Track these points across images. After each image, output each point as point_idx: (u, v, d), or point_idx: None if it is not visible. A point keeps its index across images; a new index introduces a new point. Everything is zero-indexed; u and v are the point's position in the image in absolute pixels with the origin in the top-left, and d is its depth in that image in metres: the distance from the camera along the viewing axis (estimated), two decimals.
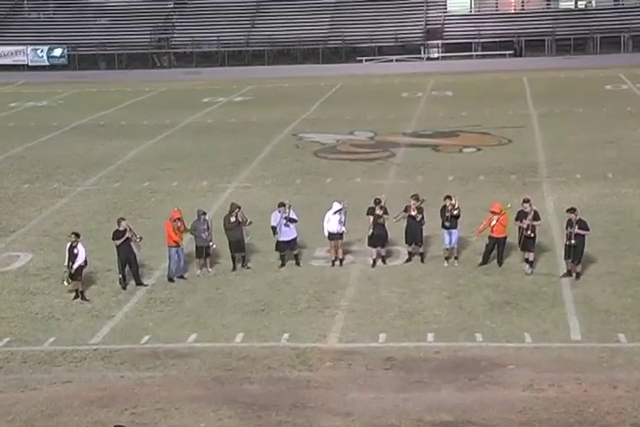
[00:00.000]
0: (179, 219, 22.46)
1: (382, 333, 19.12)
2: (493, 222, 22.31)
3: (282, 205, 23.24)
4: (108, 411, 16.05)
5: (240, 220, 23.00)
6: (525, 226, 21.95)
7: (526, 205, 22.23)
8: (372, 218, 22.89)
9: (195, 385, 17.02)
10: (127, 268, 22.13)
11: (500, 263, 22.65)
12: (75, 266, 21.36)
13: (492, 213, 22.44)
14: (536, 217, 22.13)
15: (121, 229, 22.01)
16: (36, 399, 16.66)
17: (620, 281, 21.51)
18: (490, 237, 22.56)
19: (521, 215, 22.19)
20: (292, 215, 23.14)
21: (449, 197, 22.92)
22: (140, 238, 22.20)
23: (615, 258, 23.02)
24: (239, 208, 23.12)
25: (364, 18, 71.95)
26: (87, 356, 18.48)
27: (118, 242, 21.91)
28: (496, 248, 22.60)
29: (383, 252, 23.30)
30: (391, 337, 18.89)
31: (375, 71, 63.37)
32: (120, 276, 22.15)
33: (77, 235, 21.71)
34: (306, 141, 39.21)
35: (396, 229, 23.49)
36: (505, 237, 22.53)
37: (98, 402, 16.41)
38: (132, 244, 22.04)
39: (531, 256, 22.29)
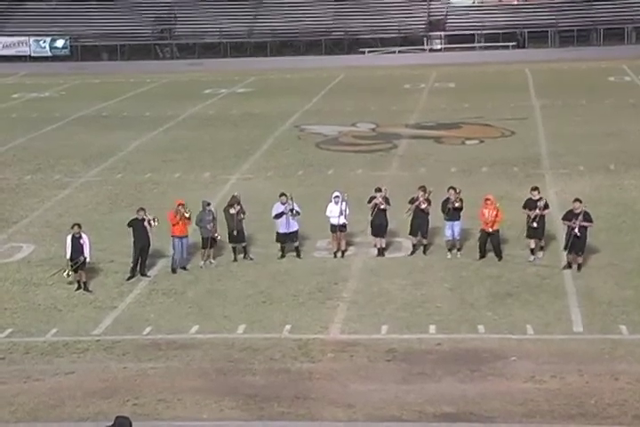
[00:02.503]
0: (181, 204, 22.49)
1: (384, 324, 19.13)
2: (487, 215, 22.38)
3: (283, 195, 23.25)
4: (110, 402, 16.08)
5: (235, 212, 22.98)
6: (534, 216, 22.03)
7: (534, 192, 22.37)
8: (372, 206, 22.90)
9: (197, 376, 17.04)
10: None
11: (498, 257, 22.68)
12: (87, 257, 21.46)
13: (486, 204, 22.47)
14: (546, 205, 22.28)
15: (139, 218, 22.09)
16: (38, 390, 16.69)
17: (622, 273, 21.52)
18: (481, 230, 22.66)
19: (530, 203, 22.27)
20: (296, 208, 23.15)
21: (453, 189, 22.91)
22: (157, 220, 22.19)
23: (617, 250, 23.02)
24: (238, 203, 23.11)
25: (366, 9, 71.84)
26: (89, 347, 18.51)
27: (134, 229, 22.03)
28: (490, 242, 22.67)
29: (383, 243, 23.29)
30: (393, 329, 18.90)
31: (378, 63, 63.29)
32: (133, 264, 22.18)
33: (80, 226, 21.78)
34: (308, 133, 39.19)
35: (394, 219, 23.49)
36: (497, 231, 22.57)
37: (100, 393, 16.44)
38: (150, 233, 22.09)
39: (542, 242, 22.47)
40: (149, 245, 22.31)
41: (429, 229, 23.25)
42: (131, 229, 22.29)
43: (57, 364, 17.79)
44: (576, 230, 21.27)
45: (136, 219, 22.24)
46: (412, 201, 22.96)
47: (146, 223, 22.05)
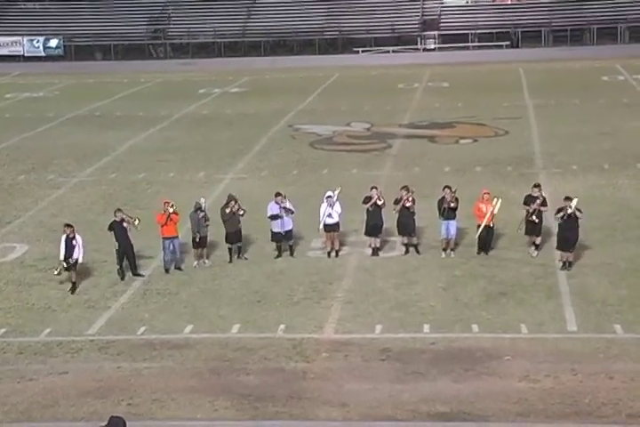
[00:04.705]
0: (166, 202, 22.48)
1: (378, 324, 19.14)
2: (484, 210, 22.56)
3: (278, 194, 23.27)
4: (104, 402, 16.06)
5: (234, 211, 23.00)
6: (532, 210, 22.23)
7: (535, 189, 22.71)
8: (369, 206, 22.91)
9: (191, 376, 17.03)
10: (125, 259, 22.21)
11: (486, 252, 22.81)
12: (80, 258, 21.46)
13: (483, 199, 22.66)
14: (544, 203, 22.44)
15: (118, 219, 22.07)
16: (32, 390, 16.67)
17: (617, 272, 21.54)
18: (480, 226, 22.80)
19: (529, 200, 22.54)
20: (289, 206, 23.17)
21: (448, 188, 22.94)
22: (138, 220, 22.15)
23: (612, 249, 23.05)
24: (235, 201, 23.13)
25: (360, 9, 71.80)
26: (83, 347, 18.49)
27: (112, 233, 21.95)
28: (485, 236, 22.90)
29: (378, 243, 23.30)
30: (387, 328, 18.90)
31: (372, 62, 63.28)
32: (118, 266, 22.18)
33: (72, 226, 21.75)
34: (302, 133, 39.19)
35: (390, 219, 23.51)
36: (494, 225, 22.73)
37: (94, 393, 16.42)
38: (129, 234, 22.06)
39: (537, 240, 22.60)
40: (132, 246, 22.21)
41: (418, 229, 23.31)
42: (112, 232, 22.22)
43: (51, 364, 17.77)
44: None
45: (115, 221, 22.18)
46: (396, 202, 23.03)
47: (125, 224, 21.98)
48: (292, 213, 23.23)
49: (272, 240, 23.42)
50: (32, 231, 26.34)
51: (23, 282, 22.32)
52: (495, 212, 22.59)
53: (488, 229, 22.74)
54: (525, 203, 22.68)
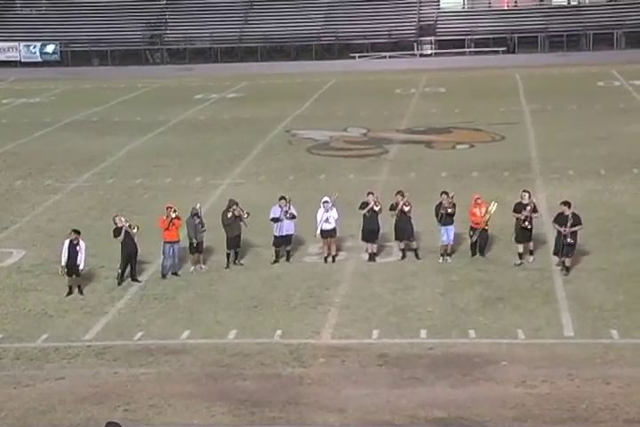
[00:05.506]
0: (170, 207, 22.49)
1: (375, 329, 19.13)
2: (479, 213, 22.62)
3: (282, 198, 23.28)
4: (101, 408, 16.04)
5: (237, 215, 23.02)
6: (523, 217, 22.17)
7: (525, 196, 22.55)
8: (366, 212, 22.90)
9: (188, 382, 17.02)
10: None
11: (482, 255, 22.85)
12: (81, 264, 21.42)
13: (476, 203, 22.71)
14: (535, 209, 22.37)
15: (119, 225, 22.06)
16: (28, 396, 16.64)
17: (613, 277, 21.54)
18: (472, 228, 22.82)
19: (519, 207, 22.43)
20: (292, 211, 23.20)
21: (445, 193, 22.95)
22: (137, 227, 22.20)
23: (608, 254, 23.05)
24: (236, 204, 23.16)
25: (357, 14, 71.93)
26: (80, 352, 18.47)
27: (121, 238, 21.96)
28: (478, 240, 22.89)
29: (374, 248, 23.31)
30: (384, 333, 18.90)
31: (368, 68, 63.37)
32: (120, 271, 22.16)
33: (78, 232, 21.73)
34: (299, 138, 39.21)
35: (387, 225, 23.52)
36: (485, 230, 22.79)
37: (91, 399, 16.40)
38: (134, 238, 22.07)
39: (530, 246, 22.59)
40: (136, 251, 22.24)
41: (416, 233, 23.31)
42: (118, 237, 22.21)
43: (47, 369, 17.74)
44: (568, 240, 21.38)
45: (116, 228, 22.18)
46: (392, 207, 23.03)
47: (126, 229, 21.98)
48: (294, 217, 23.23)
49: (273, 244, 23.40)
50: (29, 237, 26.32)
51: (20, 287, 22.30)
52: (491, 211, 22.61)
53: (482, 233, 22.77)
54: (515, 210, 22.53)
